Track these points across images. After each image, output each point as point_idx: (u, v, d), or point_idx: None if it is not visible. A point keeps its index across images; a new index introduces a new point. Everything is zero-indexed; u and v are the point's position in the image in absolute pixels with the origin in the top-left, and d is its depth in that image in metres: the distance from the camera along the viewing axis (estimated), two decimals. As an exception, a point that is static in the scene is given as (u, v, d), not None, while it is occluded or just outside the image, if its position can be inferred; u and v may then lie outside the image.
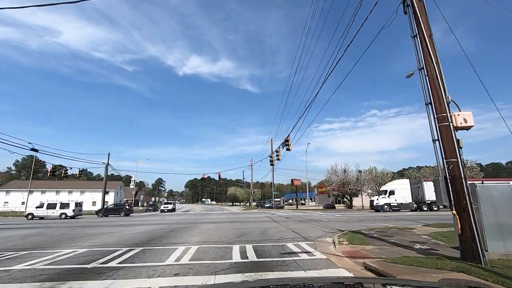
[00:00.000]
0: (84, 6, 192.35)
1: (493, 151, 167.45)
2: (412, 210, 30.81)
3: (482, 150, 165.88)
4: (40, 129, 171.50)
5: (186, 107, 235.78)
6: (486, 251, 5.53)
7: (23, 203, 52.42)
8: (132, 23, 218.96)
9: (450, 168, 5.69)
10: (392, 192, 32.05)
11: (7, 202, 65.65)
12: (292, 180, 54.72)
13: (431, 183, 30.82)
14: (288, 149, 22.40)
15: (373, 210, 32.81)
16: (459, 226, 5.44)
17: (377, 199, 32.79)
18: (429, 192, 30.41)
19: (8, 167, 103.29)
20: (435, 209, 30.46)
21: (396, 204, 31.50)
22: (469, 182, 5.77)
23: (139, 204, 70.36)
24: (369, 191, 50.96)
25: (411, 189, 31.77)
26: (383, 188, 35.09)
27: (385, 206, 31.52)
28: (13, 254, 7.98)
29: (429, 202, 30.43)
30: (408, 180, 33.57)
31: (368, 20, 8.09)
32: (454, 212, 5.57)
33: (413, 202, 31.22)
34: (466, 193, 5.47)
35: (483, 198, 6.08)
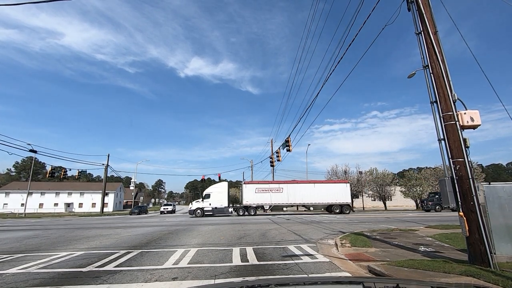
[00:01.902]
0: (86, 9, 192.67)
1: (494, 153, 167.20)
2: (227, 215, 29.48)
3: (483, 151, 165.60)
4: (41, 131, 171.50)
5: (187, 109, 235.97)
6: (494, 253, 5.35)
7: (22, 204, 52.16)
8: (135, 25, 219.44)
9: (457, 168, 5.52)
10: (207, 196, 30.09)
11: (6, 204, 65.39)
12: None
13: (252, 186, 30.50)
14: (288, 150, 22.22)
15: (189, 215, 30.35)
16: (467, 228, 5.26)
17: (191, 204, 30.97)
18: (247, 195, 29.69)
19: (7, 169, 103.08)
20: (252, 213, 29.53)
21: (210, 209, 29.63)
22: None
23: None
24: (370, 192, 50.80)
25: (228, 192, 30.58)
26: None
27: (198, 211, 29.44)
28: (8, 257, 7.79)
29: (247, 205, 29.66)
30: (226, 184, 31.65)
31: (370, 20, 7.95)
32: (462, 213, 5.40)
33: (229, 206, 30.02)
34: (474, 194, 5.30)
35: (490, 199, 5.91)
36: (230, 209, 30.24)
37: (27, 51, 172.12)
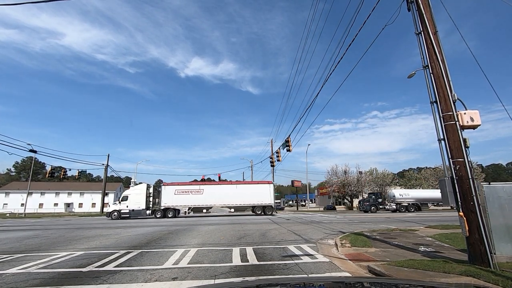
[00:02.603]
0: (87, 9, 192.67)
1: (494, 153, 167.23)
2: (144, 218, 29.02)
3: (483, 152, 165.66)
4: (41, 131, 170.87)
5: (188, 109, 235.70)
6: (494, 254, 5.35)
7: (22, 204, 52.15)
8: (135, 26, 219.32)
9: (457, 168, 5.53)
10: (125, 198, 29.37)
11: (6, 204, 65.42)
12: (292, 181, 54.53)
13: (171, 188, 29.59)
14: (288, 150, 22.24)
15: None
16: (467, 228, 5.27)
17: (109, 206, 30.16)
18: (166, 197, 28.98)
19: (7, 169, 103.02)
20: (170, 215, 28.73)
21: (127, 211, 28.78)
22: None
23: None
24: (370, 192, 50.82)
25: (147, 194, 29.83)
26: None
27: (114, 213, 28.71)
28: (8, 257, 7.79)
29: (166, 208, 28.94)
30: (144, 185, 30.79)
31: (370, 20, 7.96)
32: (461, 214, 5.40)
33: (146, 209, 29.29)
34: (474, 194, 5.30)
35: (490, 199, 5.91)
36: (148, 212, 29.26)
37: (28, 51, 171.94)
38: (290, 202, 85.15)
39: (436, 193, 37.26)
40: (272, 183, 32.17)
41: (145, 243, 10.09)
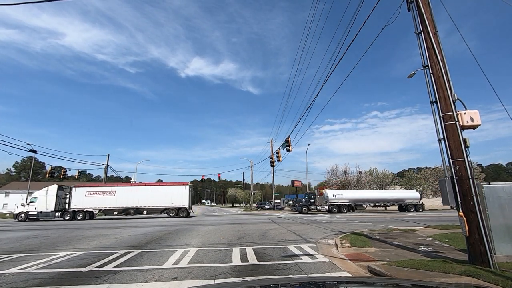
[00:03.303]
0: (87, 9, 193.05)
1: (494, 153, 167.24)
2: (52, 220, 27.78)
3: (483, 151, 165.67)
4: (42, 131, 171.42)
5: (188, 109, 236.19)
6: (494, 254, 5.35)
7: (22, 204, 52.10)
8: (136, 26, 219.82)
9: (457, 168, 5.52)
10: (34, 200, 28.15)
11: (6, 204, 65.39)
12: (292, 182, 54.58)
13: (82, 189, 28.51)
14: (288, 150, 22.23)
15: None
16: (467, 228, 5.26)
17: (17, 207, 28.79)
18: (76, 199, 28.16)
19: (7, 169, 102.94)
20: (80, 218, 27.60)
21: (35, 213, 27.63)
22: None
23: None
24: (370, 192, 50.75)
25: (57, 196, 28.42)
26: None
27: (21, 215, 27.61)
28: (8, 257, 7.79)
29: (75, 210, 27.86)
30: (55, 187, 29.08)
31: (370, 20, 7.95)
32: (461, 214, 5.40)
33: (55, 211, 27.96)
34: (473, 194, 5.30)
35: (490, 199, 5.92)
36: (57, 214, 28.06)
37: (28, 51, 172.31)
38: (290, 202, 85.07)
39: (371, 194, 37.07)
40: (188, 184, 30.26)
41: (145, 243, 10.08)
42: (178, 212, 29.15)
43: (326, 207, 34.01)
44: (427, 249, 7.61)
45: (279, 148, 26.84)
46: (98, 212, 29.14)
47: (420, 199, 36.33)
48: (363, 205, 35.15)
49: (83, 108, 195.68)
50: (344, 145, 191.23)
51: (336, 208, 33.29)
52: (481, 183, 5.98)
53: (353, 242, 8.81)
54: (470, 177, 5.40)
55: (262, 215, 30.65)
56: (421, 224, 15.59)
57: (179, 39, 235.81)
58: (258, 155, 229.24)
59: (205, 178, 49.42)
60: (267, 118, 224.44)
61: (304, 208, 34.40)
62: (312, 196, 36.23)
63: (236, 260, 6.72)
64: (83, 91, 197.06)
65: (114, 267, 6.24)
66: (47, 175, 34.23)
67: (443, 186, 5.89)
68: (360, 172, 49.82)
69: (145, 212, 29.46)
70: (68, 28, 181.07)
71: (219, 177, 50.63)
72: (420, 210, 34.44)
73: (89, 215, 28.41)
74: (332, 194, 34.06)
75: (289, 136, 21.99)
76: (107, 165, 40.00)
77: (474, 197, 5.29)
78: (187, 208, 29.25)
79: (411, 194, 36.01)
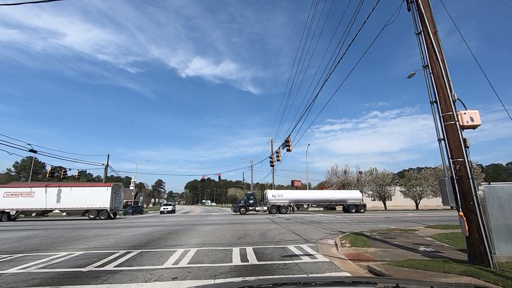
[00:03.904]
0: (88, 9, 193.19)
1: (494, 153, 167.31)
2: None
3: (483, 151, 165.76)
4: (41, 131, 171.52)
5: (188, 109, 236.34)
6: (494, 253, 5.35)
7: (22, 204, 52.00)
8: (137, 26, 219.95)
9: (457, 168, 5.52)
10: None
11: (6, 204, 65.26)
12: (292, 181, 54.53)
13: (0, 190, 27.32)
14: (288, 150, 22.24)
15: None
16: (467, 228, 5.26)
17: None
18: None
19: (7, 169, 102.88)
20: None
21: None
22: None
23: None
24: (370, 192, 50.76)
25: None
26: None
27: None
28: (8, 257, 7.79)
29: None
30: None
31: (370, 20, 7.95)
32: (461, 214, 5.40)
33: None
34: (473, 194, 5.30)
35: (490, 199, 5.91)
36: None
37: (29, 51, 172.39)
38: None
39: (313, 195, 36.79)
40: (110, 185, 29.43)
41: (145, 243, 10.08)
42: (98, 214, 28.34)
43: (265, 208, 33.80)
44: (427, 249, 7.61)
45: (279, 148, 26.85)
46: (16, 213, 28.02)
47: (362, 199, 36.38)
48: (304, 206, 34.89)
49: (84, 108, 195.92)
50: (344, 145, 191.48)
51: (276, 209, 33.04)
52: (481, 183, 5.97)
53: (353, 242, 8.81)
54: (470, 177, 5.40)
55: (262, 215, 30.64)
56: (421, 224, 15.59)
57: (180, 39, 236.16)
58: (258, 155, 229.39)
59: (205, 178, 49.44)
60: (267, 118, 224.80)
61: (242, 209, 33.84)
62: (252, 197, 35.76)
63: (236, 260, 6.72)
64: (83, 91, 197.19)
65: (114, 267, 6.23)
66: (47, 175, 34.22)
67: (443, 186, 5.89)
68: (360, 172, 49.76)
69: (64, 214, 28.62)
70: (69, 28, 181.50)
71: (219, 177, 50.65)
72: (362, 210, 34.42)
73: (7, 216, 27.25)
74: (272, 195, 33.87)
75: (289, 136, 22.00)
76: (107, 165, 40.01)
77: (474, 197, 5.29)
78: (108, 210, 28.42)
79: (353, 195, 35.90)
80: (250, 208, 34.50)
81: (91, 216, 28.16)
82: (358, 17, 8.50)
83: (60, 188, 29.01)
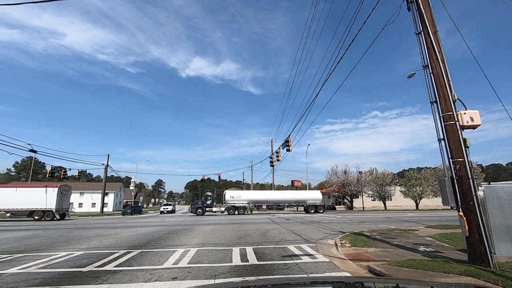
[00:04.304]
0: (89, 9, 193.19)
1: (494, 153, 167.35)
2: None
3: (483, 151, 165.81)
4: (41, 131, 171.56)
5: (188, 109, 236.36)
6: (494, 253, 5.35)
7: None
8: (137, 26, 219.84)
9: (457, 168, 5.52)
10: None
11: (6, 204, 65.28)
12: (292, 181, 54.54)
13: None
14: (288, 150, 22.24)
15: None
16: (467, 228, 5.26)
17: None
18: None
19: (7, 169, 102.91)
20: None
21: None
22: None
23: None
24: (370, 192, 50.78)
25: None
26: None
27: None
28: (8, 257, 7.79)
29: None
30: None
31: (370, 20, 7.95)
32: (461, 214, 5.40)
33: None
34: (473, 194, 5.30)
35: (490, 199, 5.92)
36: None
37: (29, 51, 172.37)
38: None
39: (272, 195, 36.51)
40: (57, 186, 29.01)
41: (145, 243, 10.08)
42: (44, 215, 28.08)
43: (222, 208, 33.72)
44: (427, 249, 7.61)
45: (279, 148, 26.85)
46: None
47: (322, 200, 36.38)
48: (263, 206, 34.83)
49: (84, 108, 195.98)
50: (344, 145, 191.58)
51: (233, 209, 32.96)
52: (481, 183, 5.98)
53: (353, 242, 8.81)
54: (470, 177, 5.40)
55: (262, 215, 30.64)
56: (421, 224, 15.59)
57: (180, 39, 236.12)
58: (258, 155, 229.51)
59: (205, 178, 49.42)
60: (267, 118, 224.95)
61: (199, 210, 33.50)
62: (209, 198, 35.76)
63: (236, 260, 6.72)
64: (84, 91, 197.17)
65: (114, 267, 6.23)
66: (47, 175, 34.24)
67: (443, 186, 5.89)
68: (360, 172, 49.74)
69: (8, 214, 28.33)
70: (69, 28, 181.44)
71: (219, 177, 50.62)
72: (321, 211, 34.43)
73: None
74: (230, 196, 33.81)
75: (289, 136, 22.00)
76: (107, 165, 40.02)
77: (474, 197, 5.29)
78: (54, 211, 28.15)
79: (313, 195, 35.82)
80: (207, 209, 34.15)
81: (36, 217, 27.83)
82: (358, 17, 8.51)
83: (6, 188, 28.96)
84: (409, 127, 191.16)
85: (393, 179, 51.91)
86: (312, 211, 34.07)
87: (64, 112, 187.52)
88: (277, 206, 35.76)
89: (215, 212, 33.99)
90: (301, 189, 57.83)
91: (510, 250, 5.74)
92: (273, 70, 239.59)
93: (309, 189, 52.27)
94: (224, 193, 36.17)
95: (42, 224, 23.11)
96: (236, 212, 32.89)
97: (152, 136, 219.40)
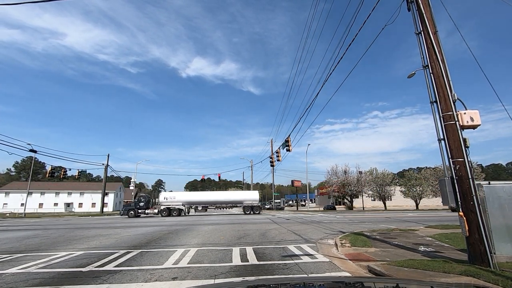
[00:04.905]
0: (89, 9, 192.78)
1: (494, 153, 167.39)
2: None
3: (483, 151, 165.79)
4: (41, 131, 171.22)
5: (188, 109, 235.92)
6: (494, 253, 5.34)
7: (22, 204, 52.12)
8: (137, 26, 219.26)
9: (457, 168, 5.52)
10: None
11: (6, 204, 65.41)
12: (292, 181, 54.51)
13: None
14: (288, 150, 22.23)
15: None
16: (467, 228, 5.26)
17: None
18: None
19: (7, 169, 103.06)
20: None
21: None
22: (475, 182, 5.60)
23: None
24: (370, 192, 50.80)
25: None
26: None
27: None
28: (8, 256, 7.79)
29: None
30: None
31: (371, 20, 7.95)
32: (461, 213, 5.40)
33: None
34: (473, 194, 5.30)
35: (490, 199, 5.90)
36: None
37: (30, 52, 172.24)
38: (290, 202, 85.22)
39: (207, 196, 36.17)
40: None
41: (145, 243, 10.08)
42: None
43: (155, 210, 33.23)
44: (427, 249, 7.61)
45: (279, 148, 26.85)
46: None
47: (259, 200, 36.32)
48: (199, 208, 34.58)
49: (84, 108, 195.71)
50: (345, 145, 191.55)
51: (167, 211, 32.44)
52: (481, 183, 5.97)
53: (353, 242, 8.81)
54: (470, 177, 5.40)
55: (262, 215, 30.65)
56: (421, 224, 15.59)
57: (181, 39, 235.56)
58: (258, 155, 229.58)
59: (205, 178, 49.41)
60: (267, 118, 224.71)
61: (130, 212, 32.70)
62: (142, 199, 34.60)
63: (236, 260, 6.72)
64: (84, 91, 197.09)
65: (114, 267, 6.23)
66: (47, 175, 34.26)
67: (443, 186, 5.89)
68: (360, 172, 49.75)
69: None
70: (70, 28, 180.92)
71: (219, 177, 50.66)
72: (257, 212, 34.38)
73: None
74: (164, 197, 33.25)
75: (289, 136, 21.99)
76: (107, 165, 40.00)
77: (474, 197, 5.29)
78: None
79: (249, 196, 35.62)
80: (140, 211, 33.16)
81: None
82: (358, 17, 8.50)
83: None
84: (409, 127, 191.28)
85: (393, 179, 51.96)
86: (249, 212, 34.09)
87: (64, 112, 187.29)
88: (216, 207, 35.81)
89: (147, 214, 32.94)
90: (301, 189, 57.88)
91: (510, 250, 5.73)
92: (274, 70, 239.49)
93: (308, 189, 52.29)
94: (159, 194, 35.59)
95: (42, 224, 23.11)
96: (168, 214, 32.14)
97: (152, 136, 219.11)
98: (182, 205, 33.16)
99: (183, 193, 37.54)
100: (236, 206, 36.73)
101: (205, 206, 35.12)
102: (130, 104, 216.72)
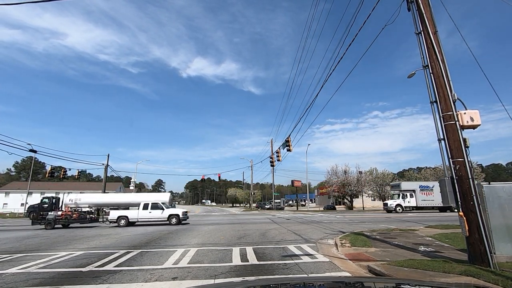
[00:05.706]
0: (90, 9, 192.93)
1: (494, 153, 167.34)
2: None
3: (483, 151, 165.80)
4: (41, 131, 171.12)
5: (189, 109, 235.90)
6: (494, 253, 5.34)
7: (22, 204, 52.12)
8: (138, 26, 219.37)
9: (457, 168, 5.52)
10: None
11: (6, 204, 65.35)
12: (292, 181, 54.47)
13: None
14: (288, 150, 22.22)
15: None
16: (467, 228, 5.26)
17: None
18: None
19: (7, 168, 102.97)
20: None
21: None
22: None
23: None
24: (370, 192, 50.77)
25: None
26: None
27: None
28: (8, 256, 7.79)
29: None
30: None
31: (371, 20, 7.94)
32: (461, 213, 5.40)
33: None
34: (473, 194, 5.30)
35: (490, 199, 5.90)
36: None
37: (30, 52, 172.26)
38: (290, 202, 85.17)
39: (114, 198, 34.30)
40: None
41: (145, 243, 10.08)
42: None
43: (59, 213, 31.77)
44: (427, 249, 7.61)
45: (279, 148, 26.82)
46: None
47: (169, 202, 35.50)
48: (106, 210, 32.07)
49: (84, 108, 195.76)
50: (345, 145, 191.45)
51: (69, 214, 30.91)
52: (481, 183, 5.97)
53: (353, 242, 8.81)
54: (470, 177, 5.40)
55: (262, 215, 30.64)
56: (421, 224, 15.58)
57: (181, 39, 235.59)
58: (258, 155, 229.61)
59: (205, 178, 49.35)
60: (267, 118, 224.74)
61: (33, 214, 29.63)
62: (46, 202, 32.90)
63: (236, 260, 6.72)
64: (84, 91, 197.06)
65: (114, 267, 6.24)
66: (47, 175, 34.22)
67: (443, 186, 5.89)
68: (360, 172, 49.69)
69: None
70: (71, 28, 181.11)
71: (219, 177, 50.59)
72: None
73: None
74: (69, 199, 31.00)
75: (289, 136, 21.97)
76: (107, 165, 39.96)
77: (474, 197, 5.29)
78: None
79: (160, 198, 34.19)
80: (43, 213, 29.87)
81: None
82: (358, 17, 8.50)
83: None
84: (409, 127, 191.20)
85: (393, 179, 51.92)
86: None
87: (65, 112, 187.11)
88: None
89: (43, 217, 31.43)
90: (301, 189, 57.86)
91: (510, 250, 5.73)
92: (274, 70, 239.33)
93: (308, 189, 52.26)
94: (64, 196, 33.46)
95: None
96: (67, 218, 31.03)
97: (153, 136, 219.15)
98: (89, 207, 31.20)
99: (90, 194, 35.73)
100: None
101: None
102: (131, 104, 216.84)
